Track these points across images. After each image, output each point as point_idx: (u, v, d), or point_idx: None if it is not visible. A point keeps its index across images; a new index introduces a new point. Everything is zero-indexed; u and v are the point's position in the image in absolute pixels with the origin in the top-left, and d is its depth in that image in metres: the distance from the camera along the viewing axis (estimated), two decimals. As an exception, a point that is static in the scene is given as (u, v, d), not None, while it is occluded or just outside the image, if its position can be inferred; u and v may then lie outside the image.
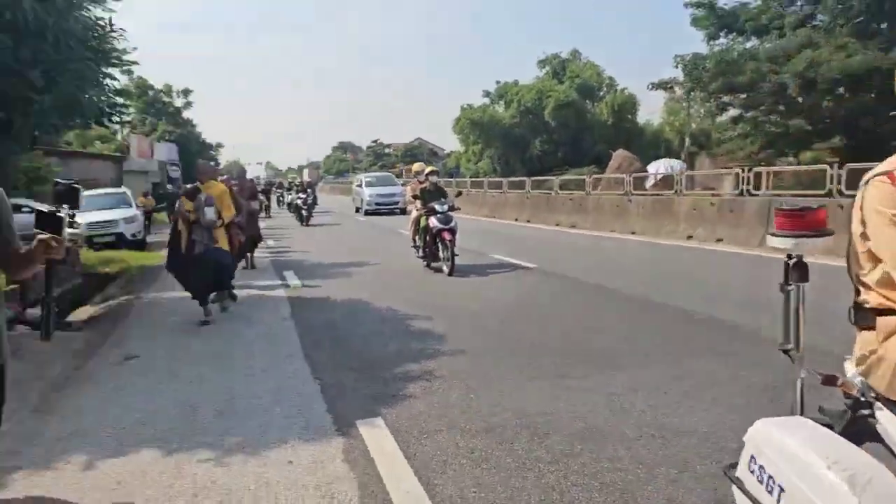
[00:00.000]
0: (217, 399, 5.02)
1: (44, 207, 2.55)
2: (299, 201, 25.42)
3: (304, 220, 24.45)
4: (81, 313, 9.99)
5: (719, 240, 13.28)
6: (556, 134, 55.33)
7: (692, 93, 29.73)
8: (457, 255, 10.70)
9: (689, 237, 14.10)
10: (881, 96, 25.08)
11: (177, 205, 8.18)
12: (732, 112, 30.12)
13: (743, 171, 13.66)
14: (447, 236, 10.74)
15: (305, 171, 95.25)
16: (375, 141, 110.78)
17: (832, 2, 26.68)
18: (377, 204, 29.48)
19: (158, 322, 8.19)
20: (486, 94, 62.17)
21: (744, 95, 28.26)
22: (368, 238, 18.40)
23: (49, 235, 2.50)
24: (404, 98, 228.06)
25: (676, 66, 28.74)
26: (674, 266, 11.09)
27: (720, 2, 30.02)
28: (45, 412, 4.96)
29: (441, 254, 10.95)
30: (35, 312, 8.96)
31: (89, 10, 8.84)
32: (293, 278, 11.03)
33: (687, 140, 48.85)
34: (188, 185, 8.79)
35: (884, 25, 26.58)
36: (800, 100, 26.45)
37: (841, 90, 26.56)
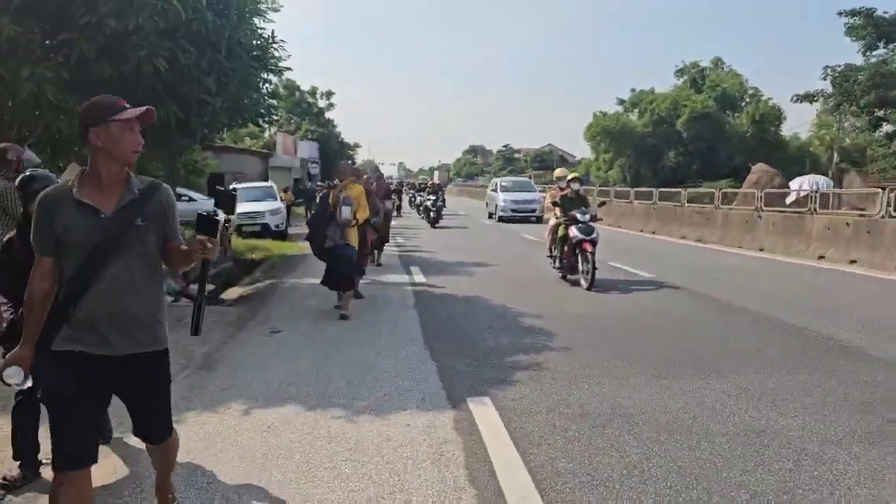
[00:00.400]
0: (348, 370, 5.76)
1: (203, 211, 2.66)
2: (429, 203, 25.59)
3: (434, 222, 24.66)
4: (232, 293, 11.22)
5: (853, 261, 12.80)
6: (690, 145, 53.76)
7: (841, 106, 28.00)
8: (596, 269, 10.07)
9: (821, 257, 13.65)
10: None
11: (318, 197, 8.85)
12: (887, 128, 28.28)
13: (884, 190, 13.05)
14: (588, 248, 10.12)
15: (436, 174, 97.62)
16: (506, 146, 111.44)
17: None
18: (513, 210, 27.65)
19: (298, 304, 9.16)
20: (620, 101, 61.42)
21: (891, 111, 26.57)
22: (497, 242, 18.93)
23: (206, 237, 2.64)
24: (537, 103, 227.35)
25: (825, 78, 27.44)
26: (800, 286, 10.89)
27: (880, 10, 28.26)
28: (208, 369, 5.90)
29: (580, 266, 10.31)
30: (192, 289, 10.25)
31: (254, 23, 9.96)
32: (419, 274, 11.80)
33: (836, 155, 46.07)
34: (328, 183, 9.49)
35: None
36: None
37: None
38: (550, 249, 11.48)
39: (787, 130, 60.26)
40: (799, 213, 15.44)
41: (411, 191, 38.86)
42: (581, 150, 73.59)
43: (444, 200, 28.13)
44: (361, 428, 4.42)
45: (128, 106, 2.61)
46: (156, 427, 2.93)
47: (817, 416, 4.59)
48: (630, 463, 3.83)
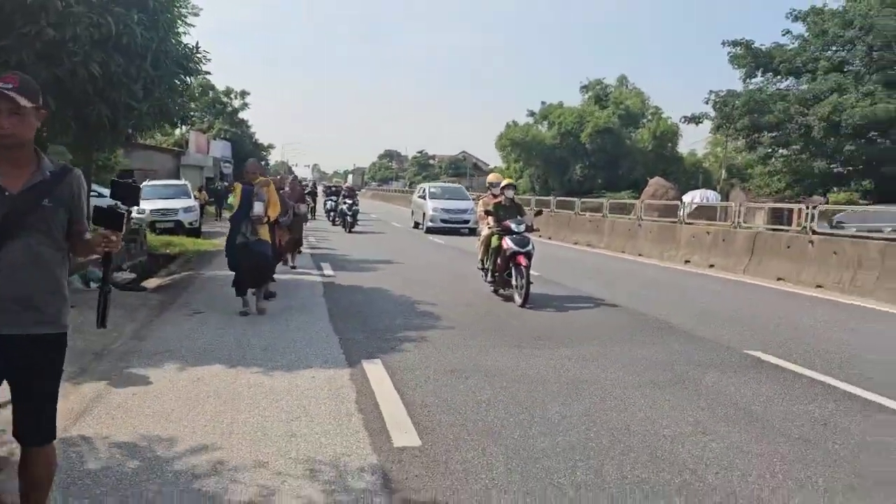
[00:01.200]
0: (264, 341, 6.82)
1: (103, 203, 2.66)
2: (345, 206, 24.32)
3: (349, 227, 23.71)
4: (150, 283, 11.95)
5: (711, 265, 14.71)
6: (594, 158, 56.71)
7: (721, 128, 30.83)
8: (531, 284, 9.44)
9: (687, 261, 15.55)
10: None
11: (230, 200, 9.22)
12: (761, 150, 31.29)
13: (738, 205, 15.08)
14: (522, 261, 9.38)
15: (350, 177, 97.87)
16: (421, 151, 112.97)
17: (863, 50, 27.76)
18: (443, 221, 24.48)
19: (217, 291, 10.06)
20: (531, 113, 63.91)
21: (772, 134, 29.50)
22: (413, 247, 20.02)
23: (108, 231, 2.68)
24: (452, 111, 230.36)
25: (707, 102, 30.18)
26: (662, 285, 12.58)
27: (758, 42, 31.22)
28: (141, 339, 6.83)
29: (514, 281, 9.53)
30: (118, 276, 10.97)
31: (179, 33, 10.79)
32: (329, 269, 12.84)
33: (723, 172, 49.78)
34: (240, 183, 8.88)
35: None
36: (825, 142, 27.54)
37: (873, 135, 27.58)
38: (482, 262, 10.67)
39: (685, 147, 64.49)
40: (672, 222, 17.38)
41: (333, 198, 35.83)
42: (495, 158, 76.19)
43: (357, 205, 27.70)
44: (275, 379, 5.51)
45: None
46: (32, 423, 2.72)
47: (629, 372, 6.01)
48: (481, 400, 5.10)
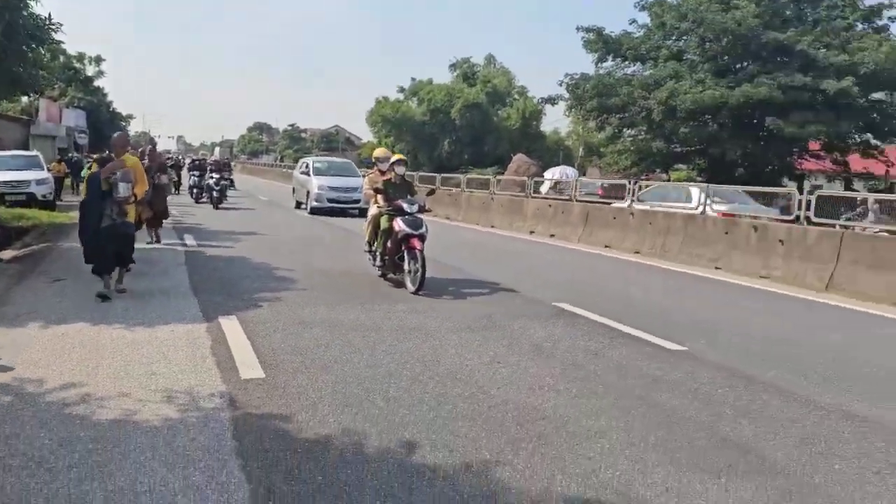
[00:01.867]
0: (125, 303, 7.39)
1: None
2: (212, 181, 22.94)
3: (216, 203, 22.38)
4: (5, 254, 11.89)
5: (552, 235, 16.33)
6: (462, 134, 58.56)
7: (573, 109, 33.02)
8: (426, 269, 8.69)
9: (532, 232, 17.12)
10: (724, 127, 29.26)
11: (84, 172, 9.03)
12: (609, 130, 33.80)
13: (575, 181, 16.73)
14: (417, 245, 8.74)
15: (216, 149, 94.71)
16: (292, 125, 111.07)
17: (696, 41, 30.55)
18: (330, 200, 21.70)
19: (75, 261, 10.20)
20: (401, 89, 64.78)
21: (618, 116, 31.99)
22: (293, 223, 20.39)
23: None
24: (325, 84, 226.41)
25: (560, 84, 32.22)
26: (506, 253, 13.91)
27: (608, 28, 33.42)
28: (2, 304, 7.19)
29: (407, 265, 8.87)
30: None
31: (31, 5, 10.81)
32: (191, 240, 13.23)
33: (581, 150, 52.92)
34: (99, 155, 8.65)
35: (740, 66, 30.47)
36: (664, 124, 30.17)
37: (703, 119, 30.50)
38: (370, 244, 9.90)
39: (549, 125, 67.73)
40: (518, 197, 18.93)
41: (193, 171, 30.33)
42: (369, 132, 76.48)
43: (231, 181, 25.67)
44: (136, 333, 6.17)
45: None
46: None
47: (452, 320, 7.14)
48: (320, 344, 6.02)
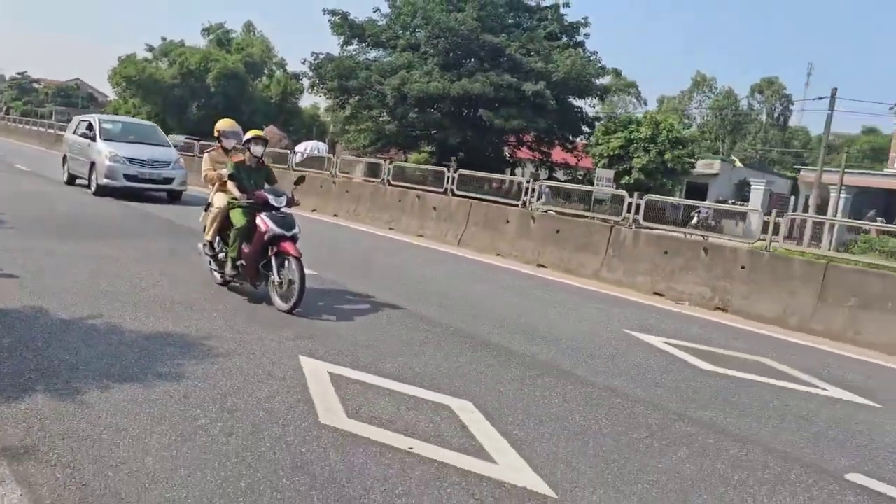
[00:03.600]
0: None
1: None
2: None
3: None
4: None
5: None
6: (216, 100, 58.01)
7: (315, 87, 35.17)
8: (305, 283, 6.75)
9: (314, 210, 16.98)
10: (447, 116, 33.41)
11: None
12: (349, 110, 36.58)
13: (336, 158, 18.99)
14: (292, 250, 6.75)
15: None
16: (21, 73, 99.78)
17: (425, 36, 34.17)
18: (129, 177, 15.43)
19: None
20: (150, 48, 62.18)
21: (357, 97, 34.84)
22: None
23: None
24: (65, 30, 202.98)
25: (304, 62, 34.31)
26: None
27: (353, 14, 36.02)
28: None
29: (276, 276, 6.85)
30: None
31: None
32: None
33: (332, 126, 55.31)
34: None
35: (464, 62, 34.70)
36: (396, 108, 33.53)
37: (433, 107, 34.31)
38: (211, 245, 7.66)
39: (309, 100, 69.08)
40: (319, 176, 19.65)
41: None
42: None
43: None
44: None
45: None
46: None
47: (140, 253, 9.07)
48: (61, 268, 7.64)
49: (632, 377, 5.87)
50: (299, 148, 36.69)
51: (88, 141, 16.61)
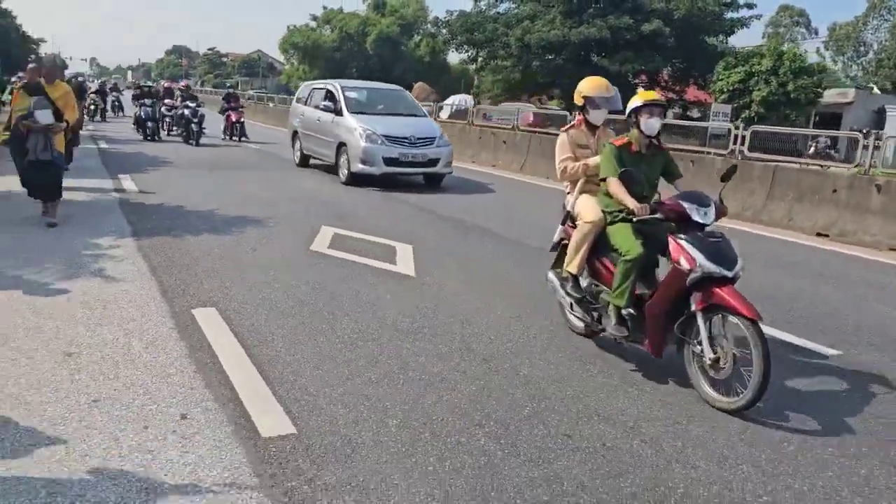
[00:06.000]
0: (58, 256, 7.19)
1: None
2: (187, 112, 18.84)
3: (196, 138, 18.49)
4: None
5: (494, 165, 17.08)
6: (372, 62, 62.70)
7: (446, 43, 37.97)
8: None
9: (473, 161, 17.55)
10: (570, 63, 34.92)
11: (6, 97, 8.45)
12: (480, 62, 39.15)
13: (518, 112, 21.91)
14: (736, 303, 3.81)
15: (129, 73, 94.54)
16: (212, 49, 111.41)
17: (548, -16, 35.59)
18: (390, 161, 12.28)
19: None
20: (313, 17, 68.03)
21: (486, 49, 37.30)
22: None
23: None
24: (247, 7, 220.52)
25: (437, 22, 37.25)
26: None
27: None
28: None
29: (707, 347, 3.94)
30: None
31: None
32: (128, 181, 11.32)
33: (476, 79, 58.02)
34: (27, 80, 8.09)
35: (588, 9, 35.83)
36: (521, 57, 35.62)
37: (557, 56, 35.98)
38: (576, 279, 4.79)
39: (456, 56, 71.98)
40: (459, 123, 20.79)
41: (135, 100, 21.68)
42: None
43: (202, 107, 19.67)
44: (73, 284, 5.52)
45: None
46: None
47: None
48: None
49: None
50: (448, 101, 39.54)
51: (332, 115, 13.25)
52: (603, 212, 4.58)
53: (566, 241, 4.89)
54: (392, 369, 4.21)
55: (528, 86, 37.54)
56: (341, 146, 12.77)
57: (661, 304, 4.10)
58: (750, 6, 35.14)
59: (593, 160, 4.79)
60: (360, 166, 12.20)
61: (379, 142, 12.16)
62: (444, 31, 37.91)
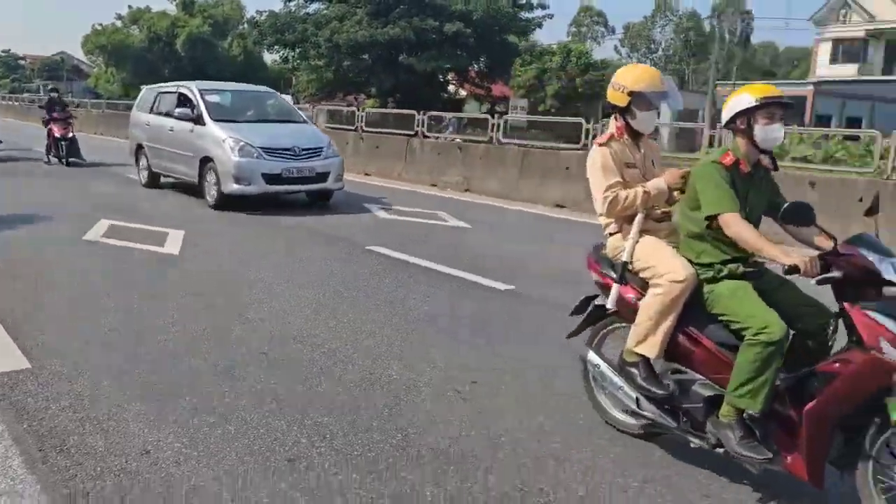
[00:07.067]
0: None
1: None
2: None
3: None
4: None
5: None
6: (185, 63, 60.61)
7: (257, 44, 38.05)
8: None
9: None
10: (379, 62, 36.25)
11: None
12: (291, 62, 39.53)
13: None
14: None
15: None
16: (6, 51, 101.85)
17: (352, -13, 36.57)
18: (271, 178, 10.23)
19: None
20: (119, 16, 64.57)
21: (299, 49, 37.74)
22: None
23: None
24: (45, 5, 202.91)
25: (246, 22, 37.21)
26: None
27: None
28: None
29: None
30: None
31: None
32: None
33: (294, 79, 58.07)
34: None
35: (394, 11, 37.16)
36: (332, 57, 36.38)
37: (365, 55, 37.03)
38: (649, 368, 3.29)
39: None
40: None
41: None
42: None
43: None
44: None
45: None
46: None
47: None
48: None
49: (359, 230, 9.41)
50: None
51: (189, 125, 11.01)
52: (701, 266, 3.15)
53: (602, 304, 3.47)
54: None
55: (342, 85, 38.43)
56: (206, 162, 10.50)
57: (838, 407, 2.70)
58: (543, 6, 38.23)
59: (654, 184, 3.32)
60: (235, 186, 10.01)
61: (255, 155, 10.06)
62: (254, 31, 37.83)
